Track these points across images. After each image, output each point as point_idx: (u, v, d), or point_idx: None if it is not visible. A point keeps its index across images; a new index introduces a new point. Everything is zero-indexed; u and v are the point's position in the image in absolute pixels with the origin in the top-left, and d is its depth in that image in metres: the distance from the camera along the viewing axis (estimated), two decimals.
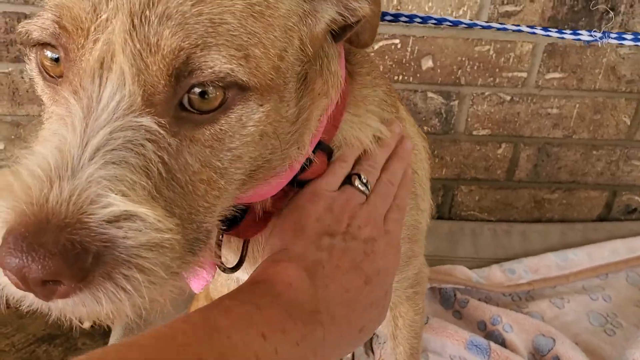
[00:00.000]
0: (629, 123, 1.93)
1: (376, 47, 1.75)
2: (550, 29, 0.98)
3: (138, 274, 0.54)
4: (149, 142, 0.57)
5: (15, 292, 0.57)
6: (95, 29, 0.58)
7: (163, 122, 0.58)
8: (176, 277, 0.60)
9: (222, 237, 0.80)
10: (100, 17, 0.57)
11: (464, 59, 1.78)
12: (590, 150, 1.98)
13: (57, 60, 0.63)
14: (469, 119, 1.89)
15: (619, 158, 2.00)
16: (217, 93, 0.60)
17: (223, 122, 0.61)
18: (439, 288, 1.68)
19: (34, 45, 0.64)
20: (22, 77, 1.75)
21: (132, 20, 0.56)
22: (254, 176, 0.71)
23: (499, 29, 1.00)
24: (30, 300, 0.58)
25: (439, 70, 1.80)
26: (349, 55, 0.88)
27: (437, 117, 1.87)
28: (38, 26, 0.61)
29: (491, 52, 1.77)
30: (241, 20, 0.60)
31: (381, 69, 1.55)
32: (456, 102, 1.86)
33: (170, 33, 0.56)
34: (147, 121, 0.57)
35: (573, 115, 1.91)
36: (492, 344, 1.46)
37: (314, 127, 0.77)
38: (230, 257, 0.88)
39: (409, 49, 1.75)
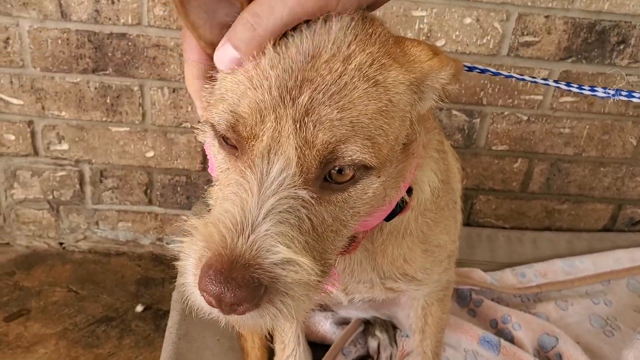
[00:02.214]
0: (635, 143, 2.10)
1: None
2: (572, 84, 1.14)
3: (291, 301, 0.76)
4: (303, 208, 0.78)
5: (205, 307, 0.79)
6: (262, 132, 0.78)
7: (314, 195, 0.79)
8: (313, 301, 0.82)
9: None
10: (266, 124, 0.78)
11: (486, 81, 1.96)
12: (598, 167, 2.14)
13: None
14: (489, 136, 2.06)
15: (625, 175, 2.16)
16: (349, 171, 0.81)
17: (351, 190, 0.83)
18: (457, 288, 1.85)
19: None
20: (88, 87, 1.95)
21: (295, 125, 0.77)
22: (363, 219, 0.92)
23: (519, 79, 1.17)
24: (215, 313, 0.79)
25: (463, 91, 1.97)
26: None
27: (460, 132, 2.05)
28: (216, 122, 0.82)
29: None
30: (372, 119, 0.80)
31: None
32: (478, 120, 2.03)
33: (322, 134, 0.77)
34: (303, 194, 0.78)
35: (583, 135, 2.07)
36: (502, 341, 1.62)
37: (407, 176, 0.97)
38: None
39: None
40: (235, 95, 0.80)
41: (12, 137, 2.03)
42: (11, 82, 1.94)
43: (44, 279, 2.07)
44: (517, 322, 1.71)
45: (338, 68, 0.78)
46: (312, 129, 0.76)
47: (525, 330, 1.69)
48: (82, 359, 1.77)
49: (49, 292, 2.01)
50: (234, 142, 0.82)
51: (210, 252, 0.74)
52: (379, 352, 1.64)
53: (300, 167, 0.78)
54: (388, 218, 1.02)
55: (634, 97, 1.11)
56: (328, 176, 0.81)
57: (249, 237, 0.73)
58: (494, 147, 2.09)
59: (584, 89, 1.12)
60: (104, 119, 2.00)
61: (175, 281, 1.78)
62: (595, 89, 1.11)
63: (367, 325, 1.68)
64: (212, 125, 0.84)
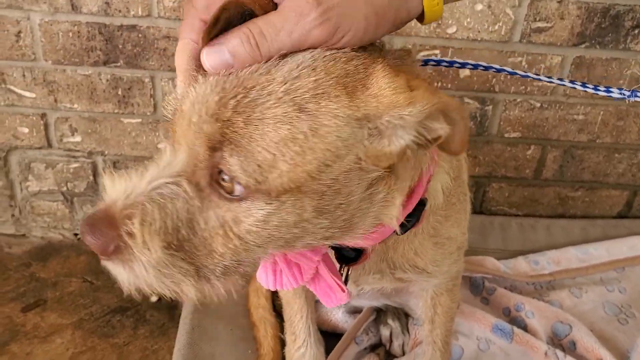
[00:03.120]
0: None
1: (418, 57, 1.91)
2: (587, 85, 1.10)
3: (136, 268, 0.82)
4: (182, 198, 0.81)
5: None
6: (184, 119, 0.82)
7: (198, 187, 0.82)
8: (178, 286, 0.85)
9: (344, 268, 1.05)
10: (186, 115, 0.82)
11: None
12: (613, 153, 2.12)
13: None
14: (502, 123, 2.05)
15: None
16: (230, 183, 0.80)
17: (236, 205, 0.81)
18: (469, 277, 1.85)
19: None
20: (100, 79, 1.96)
21: (199, 116, 0.79)
22: (317, 242, 0.89)
23: (534, 78, 1.13)
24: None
25: (475, 78, 1.96)
26: None
27: (473, 120, 2.04)
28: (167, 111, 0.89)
29: (523, 63, 1.93)
30: (278, 144, 0.77)
31: (423, 77, 1.72)
32: (490, 107, 2.02)
33: (214, 127, 0.77)
34: (186, 184, 0.81)
35: (597, 121, 2.05)
36: (515, 329, 1.62)
37: (398, 203, 0.91)
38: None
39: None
40: (191, 88, 0.84)
41: (26, 130, 2.05)
42: (24, 75, 1.95)
43: (59, 270, 2.09)
44: (530, 310, 1.70)
45: (270, 86, 0.78)
46: (211, 122, 0.78)
47: (539, 318, 1.68)
48: (98, 348, 1.79)
49: (65, 283, 2.03)
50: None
51: (102, 202, 0.83)
52: (391, 341, 1.64)
53: (193, 157, 0.81)
54: (400, 232, 0.98)
55: None
56: (217, 182, 0.81)
57: (127, 202, 0.80)
58: (506, 135, 2.07)
59: (599, 90, 1.08)
60: (115, 110, 2.01)
61: None
62: (611, 89, 1.08)
63: (379, 314, 1.68)
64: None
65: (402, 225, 0.95)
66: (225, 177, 0.79)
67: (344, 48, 0.83)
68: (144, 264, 0.81)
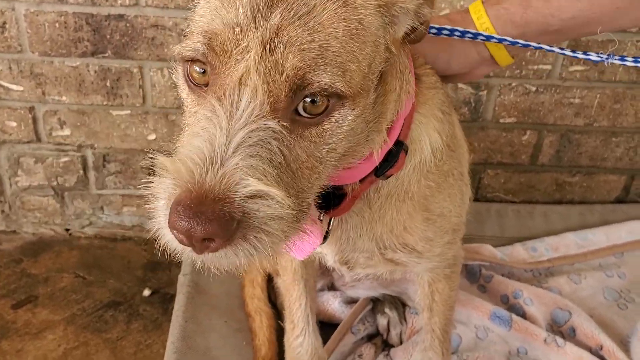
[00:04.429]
0: None
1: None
2: (565, 49, 1.15)
3: (265, 236, 0.74)
4: (274, 140, 0.76)
5: (176, 246, 0.77)
6: (237, 52, 0.77)
7: (285, 124, 0.77)
8: (289, 239, 0.80)
9: (323, 216, 1.00)
10: (241, 43, 0.76)
11: None
12: (610, 137, 2.10)
13: (203, 72, 0.82)
14: (497, 108, 2.02)
15: (637, 144, 2.11)
16: (323, 101, 0.79)
17: (325, 123, 0.81)
18: (466, 264, 1.83)
19: (187, 61, 0.83)
20: (88, 70, 1.93)
21: (264, 47, 0.75)
22: (343, 160, 0.89)
23: (510, 43, 1.15)
24: (187, 253, 0.77)
25: None
26: (414, 59, 1.05)
27: (467, 106, 2.01)
28: (190, 47, 0.80)
29: None
30: (342, 43, 0.78)
31: None
32: (485, 92, 1.99)
33: (292, 56, 0.75)
34: (273, 124, 0.76)
35: (594, 104, 2.02)
36: (514, 316, 1.61)
37: (389, 118, 0.94)
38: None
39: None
40: (207, 17, 0.79)
41: (14, 124, 2.01)
42: (10, 67, 1.92)
43: (51, 266, 2.06)
44: (528, 297, 1.68)
45: None
46: (282, 50, 0.75)
47: (538, 305, 1.67)
48: (91, 343, 1.76)
49: (57, 279, 2.00)
50: (207, 68, 0.81)
51: (179, 189, 0.72)
52: (388, 330, 1.62)
53: (269, 96, 0.76)
54: (379, 173, 0.98)
55: (626, 60, 1.11)
56: (301, 109, 0.79)
57: (218, 171, 0.72)
58: (501, 120, 2.05)
59: (578, 54, 1.15)
60: (104, 102, 1.98)
61: (181, 265, 1.78)
62: (589, 53, 1.14)
63: (376, 304, 1.66)
64: (183, 59, 0.83)
65: (381, 168, 0.97)
66: (317, 99, 0.78)
67: None
68: (278, 221, 0.74)
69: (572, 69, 1.94)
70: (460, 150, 1.17)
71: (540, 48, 1.14)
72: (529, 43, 1.14)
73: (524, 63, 1.93)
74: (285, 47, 0.75)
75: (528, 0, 1.17)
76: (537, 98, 2.00)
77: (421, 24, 0.91)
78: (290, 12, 0.76)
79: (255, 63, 0.75)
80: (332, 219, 1.04)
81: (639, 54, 1.92)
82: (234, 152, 0.73)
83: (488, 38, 1.16)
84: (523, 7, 1.17)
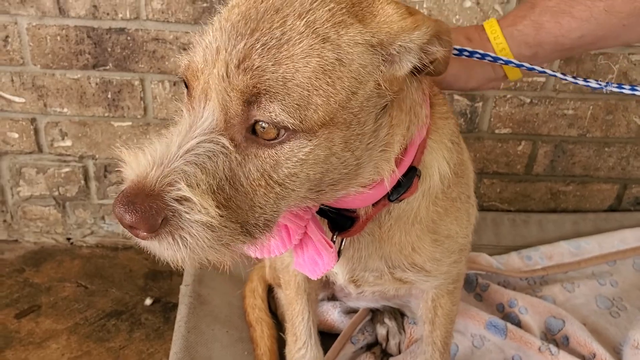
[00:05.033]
0: (639, 122, 2.08)
1: None
2: (566, 75, 1.21)
3: (190, 238, 0.80)
4: (222, 154, 0.82)
5: (121, 229, 0.87)
6: (207, 72, 0.82)
7: (237, 141, 0.82)
8: (228, 248, 0.85)
9: (336, 237, 1.04)
10: (210, 65, 0.82)
11: None
12: (603, 147, 2.13)
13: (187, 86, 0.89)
14: (492, 119, 2.06)
15: (630, 154, 2.15)
16: (272, 129, 0.82)
17: (278, 149, 0.83)
18: None
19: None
20: (89, 83, 1.95)
21: (227, 69, 0.80)
22: (328, 188, 0.91)
23: (528, 69, 1.20)
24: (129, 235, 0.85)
25: None
26: (429, 87, 1.07)
27: (463, 117, 2.04)
28: (180, 66, 0.89)
29: None
30: (310, 78, 0.80)
31: None
32: (480, 104, 2.02)
33: (248, 78, 0.79)
34: (224, 140, 0.82)
35: (587, 115, 2.06)
36: (509, 325, 1.63)
37: (397, 150, 0.95)
38: None
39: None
40: (199, 39, 0.85)
41: (16, 135, 2.03)
42: (12, 80, 1.94)
43: (53, 275, 2.08)
44: (523, 306, 1.71)
45: (289, 21, 0.80)
46: (242, 73, 0.79)
47: (532, 314, 1.70)
48: (94, 353, 1.79)
49: (59, 288, 2.03)
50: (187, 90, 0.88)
51: (128, 179, 0.81)
52: (387, 340, 1.65)
53: (225, 113, 0.81)
54: (392, 197, 1.01)
55: (623, 88, 1.15)
56: (255, 131, 0.83)
57: (161, 171, 0.79)
58: (497, 131, 2.08)
59: (579, 81, 1.22)
60: (106, 114, 2.00)
61: (182, 274, 1.80)
62: (589, 80, 1.22)
63: (375, 313, 1.69)
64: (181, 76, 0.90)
65: (395, 192, 0.99)
66: (265, 125, 0.81)
67: None
68: (201, 227, 0.80)
69: (565, 82, 1.97)
70: (467, 174, 1.20)
71: (555, 75, 1.22)
72: (545, 70, 1.21)
73: None
74: (245, 71, 0.79)
75: (540, 23, 1.22)
76: (532, 109, 2.04)
77: (431, 62, 0.90)
78: (263, 41, 0.79)
79: (217, 82, 0.80)
80: (344, 240, 1.07)
81: (630, 67, 1.96)
82: (181, 157, 0.80)
83: (507, 62, 1.20)
84: (535, 29, 1.22)
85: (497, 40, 1.23)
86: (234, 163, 0.82)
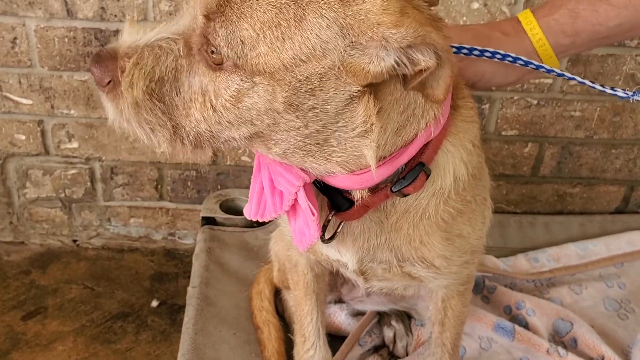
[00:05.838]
0: None
1: None
2: (595, 83, 1.20)
3: (121, 104, 0.90)
4: (172, 54, 0.89)
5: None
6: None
7: (189, 51, 0.89)
8: (154, 133, 0.93)
9: (332, 216, 1.06)
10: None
11: None
12: (610, 149, 2.13)
13: None
14: (499, 121, 2.05)
15: (637, 156, 2.14)
16: (219, 55, 0.86)
17: (217, 75, 0.88)
18: None
19: None
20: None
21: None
22: (291, 152, 0.94)
23: (548, 71, 1.19)
24: None
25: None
26: (456, 90, 1.06)
27: None
28: None
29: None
30: (264, 24, 0.83)
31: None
32: (487, 106, 2.02)
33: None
34: (180, 44, 0.89)
35: (594, 117, 2.06)
36: (517, 327, 1.63)
37: (381, 142, 0.93)
38: (327, 234, 1.09)
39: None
40: None
41: (23, 137, 2.04)
42: (20, 82, 1.94)
43: (59, 277, 2.09)
44: (531, 308, 1.71)
45: None
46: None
47: (540, 316, 1.69)
48: (101, 354, 1.79)
49: (65, 290, 2.03)
50: None
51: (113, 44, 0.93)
52: (394, 342, 1.65)
53: (193, 22, 0.89)
54: (395, 188, 1.00)
55: None
56: (208, 50, 0.88)
57: (130, 45, 0.89)
58: (503, 132, 2.08)
59: (606, 89, 1.20)
60: None
61: (189, 276, 1.80)
62: (616, 89, 1.20)
63: (382, 316, 1.69)
64: None
65: (397, 185, 1.00)
66: (214, 50, 0.86)
67: None
68: (127, 102, 0.89)
69: (572, 83, 1.98)
70: (484, 177, 1.19)
71: (583, 83, 1.21)
72: (564, 73, 1.20)
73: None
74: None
75: (576, 11, 1.21)
76: (539, 111, 2.04)
77: (417, 72, 0.85)
78: None
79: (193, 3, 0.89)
80: (342, 223, 1.08)
81: (638, 69, 1.95)
82: (149, 41, 0.89)
83: (527, 63, 1.18)
84: (572, 17, 1.21)
85: (534, 31, 1.22)
86: (181, 67, 0.89)
